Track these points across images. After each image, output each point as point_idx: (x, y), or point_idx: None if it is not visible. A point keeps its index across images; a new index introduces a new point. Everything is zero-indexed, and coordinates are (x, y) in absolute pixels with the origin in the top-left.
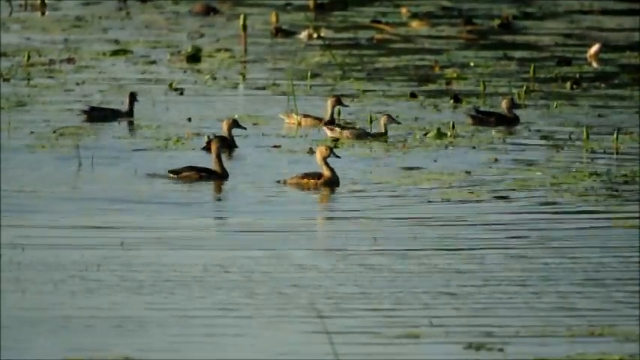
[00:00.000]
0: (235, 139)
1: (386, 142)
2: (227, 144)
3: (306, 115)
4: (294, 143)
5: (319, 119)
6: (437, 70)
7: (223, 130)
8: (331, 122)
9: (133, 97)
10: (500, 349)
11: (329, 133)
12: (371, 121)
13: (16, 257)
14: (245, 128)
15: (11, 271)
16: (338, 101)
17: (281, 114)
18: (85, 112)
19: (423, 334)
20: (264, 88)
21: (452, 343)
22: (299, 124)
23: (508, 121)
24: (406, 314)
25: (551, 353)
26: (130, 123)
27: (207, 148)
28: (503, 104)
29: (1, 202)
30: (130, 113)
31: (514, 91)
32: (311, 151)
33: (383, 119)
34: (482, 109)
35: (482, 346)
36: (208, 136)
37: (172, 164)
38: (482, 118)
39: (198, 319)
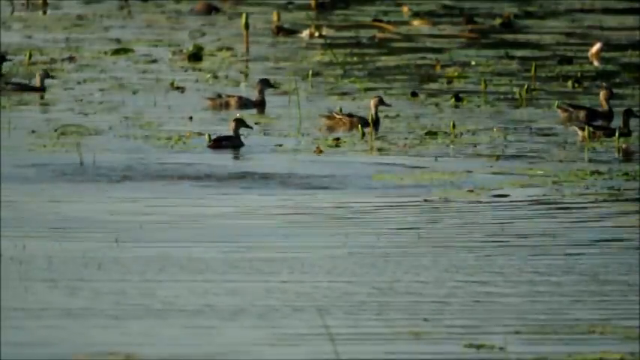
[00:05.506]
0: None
1: None
2: (235, 143)
3: (350, 115)
4: (296, 142)
5: (364, 119)
6: (438, 69)
7: (230, 129)
8: (376, 123)
9: (265, 83)
10: (501, 349)
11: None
12: None
13: (17, 255)
14: (252, 127)
15: (12, 267)
16: (380, 101)
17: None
18: (210, 98)
19: (423, 334)
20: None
21: (452, 343)
22: (343, 122)
23: (601, 116)
24: (406, 314)
25: (551, 353)
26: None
27: (212, 147)
28: (601, 96)
29: (2, 202)
30: (261, 103)
31: (515, 89)
32: (319, 151)
33: None
34: (574, 103)
35: (482, 346)
36: (209, 135)
37: (173, 163)
38: (572, 112)
39: (198, 317)
